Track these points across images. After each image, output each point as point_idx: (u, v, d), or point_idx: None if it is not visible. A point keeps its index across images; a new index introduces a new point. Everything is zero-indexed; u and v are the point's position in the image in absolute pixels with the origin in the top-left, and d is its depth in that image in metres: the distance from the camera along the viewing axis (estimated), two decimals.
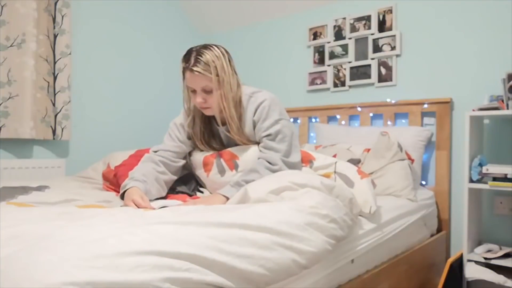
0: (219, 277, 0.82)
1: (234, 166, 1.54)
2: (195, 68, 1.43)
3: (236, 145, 1.62)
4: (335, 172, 1.54)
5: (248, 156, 1.54)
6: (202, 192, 1.64)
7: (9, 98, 2.29)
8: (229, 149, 1.60)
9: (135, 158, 1.83)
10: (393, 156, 2.03)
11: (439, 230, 2.26)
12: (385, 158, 2.05)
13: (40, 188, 1.54)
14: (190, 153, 1.68)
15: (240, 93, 1.57)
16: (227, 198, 1.37)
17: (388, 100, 2.52)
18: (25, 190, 1.47)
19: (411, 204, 1.91)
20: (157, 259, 0.74)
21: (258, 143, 1.59)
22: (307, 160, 1.60)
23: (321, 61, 2.87)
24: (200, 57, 1.44)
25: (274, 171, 1.44)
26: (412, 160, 2.18)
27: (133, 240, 0.76)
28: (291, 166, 1.51)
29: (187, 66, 1.46)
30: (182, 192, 1.62)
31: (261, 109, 1.54)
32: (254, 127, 1.57)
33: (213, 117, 1.63)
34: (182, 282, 0.75)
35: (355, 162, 2.10)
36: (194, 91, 1.51)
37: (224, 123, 1.60)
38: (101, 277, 0.66)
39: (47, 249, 0.70)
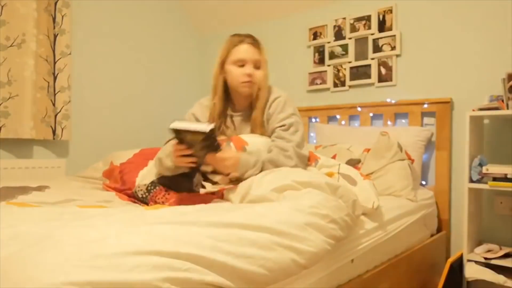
0: (219, 277, 0.82)
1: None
2: (254, 42, 1.59)
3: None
4: (338, 172, 1.55)
5: (257, 144, 1.56)
6: (205, 187, 1.64)
7: (9, 98, 2.29)
8: (240, 135, 1.62)
9: (141, 157, 1.83)
10: (393, 156, 2.03)
11: (439, 230, 2.25)
12: (385, 158, 2.05)
13: (40, 188, 1.54)
14: None
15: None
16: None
17: (388, 100, 2.52)
18: (25, 190, 1.47)
19: (411, 204, 1.91)
20: (157, 259, 0.74)
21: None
22: (313, 159, 1.62)
23: (321, 61, 2.87)
24: (255, 37, 1.62)
25: (286, 157, 1.48)
26: (412, 160, 2.18)
27: (133, 240, 0.76)
28: (301, 157, 1.53)
29: (243, 39, 1.59)
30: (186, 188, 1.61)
31: (277, 102, 1.60)
32: (267, 120, 1.61)
33: (231, 102, 1.67)
34: (182, 282, 0.75)
35: (355, 162, 2.10)
36: (242, 65, 1.58)
37: (241, 109, 1.64)
38: (100, 277, 0.65)
39: (46, 249, 0.70)
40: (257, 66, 1.60)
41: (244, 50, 1.58)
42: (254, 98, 1.62)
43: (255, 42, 1.61)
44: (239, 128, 1.69)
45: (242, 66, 1.58)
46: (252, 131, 1.64)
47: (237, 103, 1.67)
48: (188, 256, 0.78)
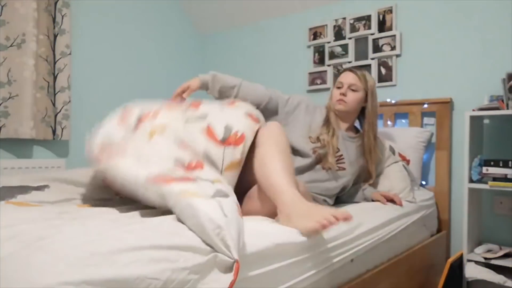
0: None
1: None
2: (354, 70, 1.82)
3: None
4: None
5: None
6: None
7: (9, 98, 2.29)
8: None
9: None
10: (386, 161, 2.02)
11: (439, 230, 2.25)
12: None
13: (39, 188, 1.53)
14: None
15: (376, 132, 1.84)
16: None
17: (388, 100, 2.52)
18: (24, 189, 1.46)
19: (410, 205, 1.90)
20: (153, 252, 0.74)
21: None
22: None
23: (321, 61, 2.87)
24: (362, 70, 1.84)
25: None
26: (407, 161, 2.17)
27: (129, 236, 0.76)
28: None
29: (349, 67, 1.86)
30: None
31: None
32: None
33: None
34: (179, 272, 0.75)
35: None
36: (340, 87, 1.80)
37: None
38: (96, 275, 0.65)
39: (42, 249, 0.69)
40: (352, 90, 1.78)
41: (343, 75, 1.82)
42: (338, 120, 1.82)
43: (356, 70, 1.81)
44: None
45: (340, 87, 1.80)
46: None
47: (336, 117, 1.81)
48: (185, 248, 0.79)
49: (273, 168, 1.21)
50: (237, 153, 1.26)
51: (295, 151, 1.69)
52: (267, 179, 1.20)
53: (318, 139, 1.71)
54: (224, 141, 1.26)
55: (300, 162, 1.67)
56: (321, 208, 1.10)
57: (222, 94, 1.73)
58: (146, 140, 1.23)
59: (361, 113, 1.86)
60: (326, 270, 1.21)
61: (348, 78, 1.80)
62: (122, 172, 1.06)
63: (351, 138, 1.83)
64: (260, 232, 1.03)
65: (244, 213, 1.25)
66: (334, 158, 1.70)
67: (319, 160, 1.70)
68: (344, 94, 1.77)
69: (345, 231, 1.33)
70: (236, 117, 1.35)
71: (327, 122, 1.77)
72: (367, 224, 1.48)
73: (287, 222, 1.08)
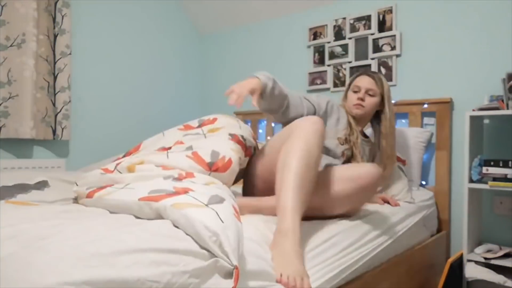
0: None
1: None
2: (371, 74, 1.83)
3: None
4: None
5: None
6: None
7: (9, 98, 2.29)
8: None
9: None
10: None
11: (439, 230, 2.25)
12: None
13: (39, 187, 1.53)
14: None
15: (394, 136, 1.87)
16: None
17: None
18: (24, 189, 1.46)
19: (409, 206, 1.90)
20: (154, 255, 0.74)
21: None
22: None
23: (321, 61, 2.87)
24: (378, 74, 1.85)
25: None
26: (403, 161, 2.17)
27: (130, 238, 0.76)
28: None
29: (364, 71, 1.86)
30: None
31: None
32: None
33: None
34: (180, 275, 0.75)
35: None
36: (356, 92, 1.80)
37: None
38: (97, 276, 0.65)
39: (42, 249, 0.69)
40: (370, 94, 1.80)
41: (360, 79, 1.83)
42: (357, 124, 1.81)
43: (373, 74, 1.83)
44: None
45: (357, 92, 1.81)
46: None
47: (355, 121, 1.81)
48: (185, 251, 0.79)
49: (287, 180, 1.17)
50: (223, 179, 1.28)
51: (327, 151, 1.69)
52: (279, 191, 1.18)
53: (346, 140, 1.72)
54: (212, 165, 1.28)
55: (331, 161, 1.68)
56: (298, 264, 1.02)
57: (273, 103, 1.48)
58: (126, 173, 1.25)
59: (374, 116, 1.89)
60: (329, 273, 1.21)
61: (365, 82, 1.80)
62: (114, 200, 1.09)
63: (365, 142, 1.85)
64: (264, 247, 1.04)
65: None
66: (360, 159, 1.74)
67: (347, 161, 1.73)
68: (362, 99, 1.78)
69: (352, 241, 1.35)
70: (221, 142, 1.38)
71: (350, 124, 1.78)
72: (371, 233, 1.49)
73: (271, 249, 1.05)
